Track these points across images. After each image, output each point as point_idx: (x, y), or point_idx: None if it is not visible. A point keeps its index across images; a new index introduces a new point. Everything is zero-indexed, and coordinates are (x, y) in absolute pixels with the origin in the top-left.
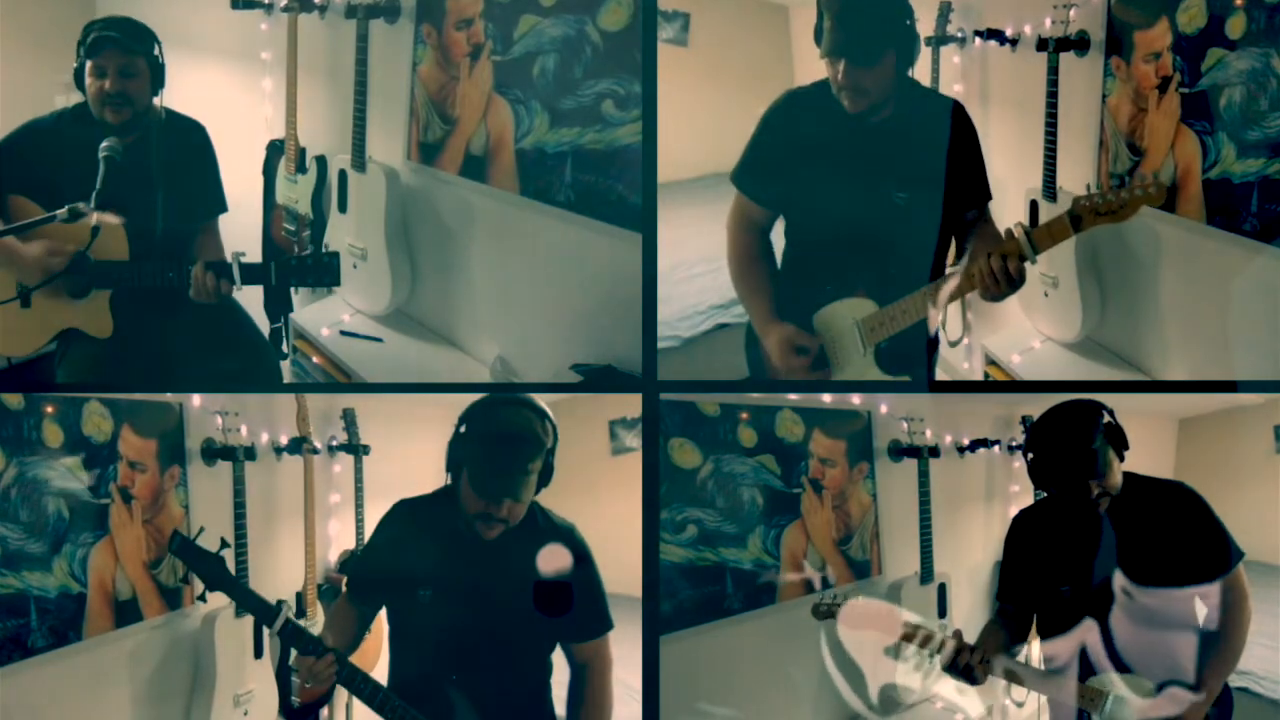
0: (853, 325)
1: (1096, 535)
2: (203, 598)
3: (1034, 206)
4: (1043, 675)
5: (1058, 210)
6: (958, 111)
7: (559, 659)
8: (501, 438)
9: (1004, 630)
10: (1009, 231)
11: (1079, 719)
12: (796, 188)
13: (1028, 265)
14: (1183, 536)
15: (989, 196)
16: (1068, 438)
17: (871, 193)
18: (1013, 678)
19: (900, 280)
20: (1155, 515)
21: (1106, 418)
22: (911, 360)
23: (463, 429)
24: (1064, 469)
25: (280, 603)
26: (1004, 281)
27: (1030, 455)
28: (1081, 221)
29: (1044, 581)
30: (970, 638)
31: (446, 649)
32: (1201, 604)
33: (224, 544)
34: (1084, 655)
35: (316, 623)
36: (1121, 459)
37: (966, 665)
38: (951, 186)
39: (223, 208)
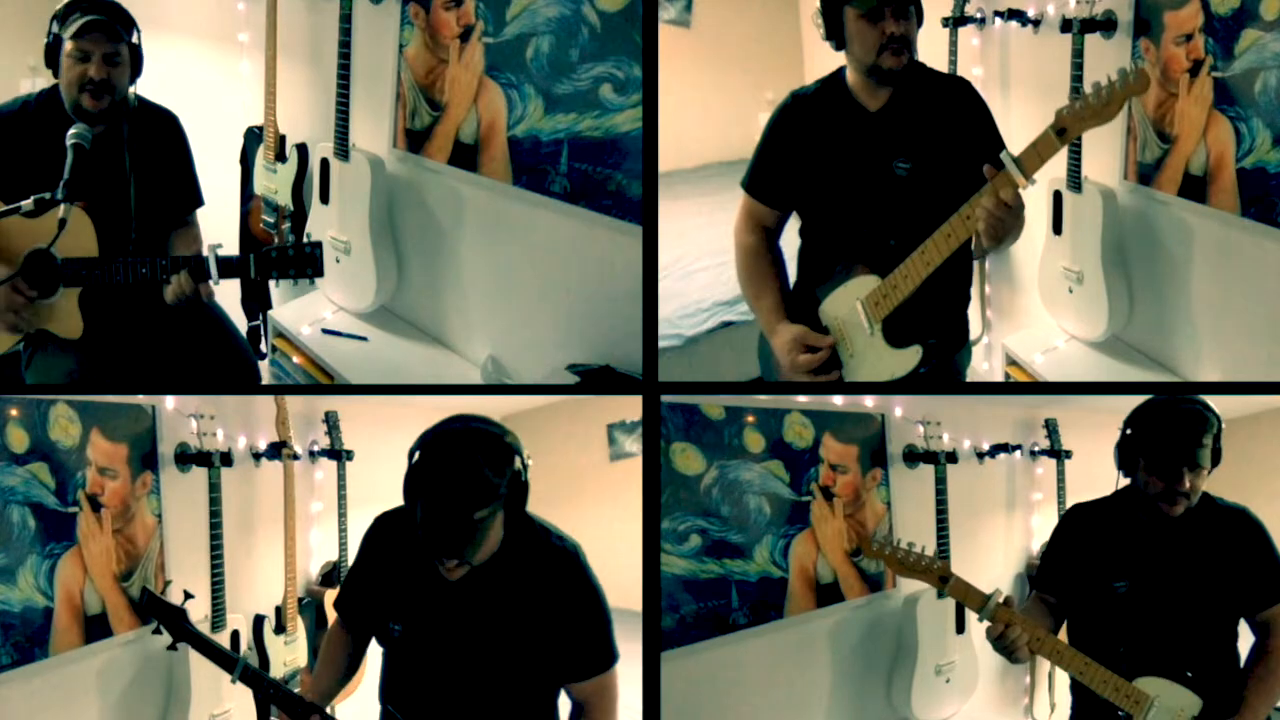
0: (856, 304)
1: (1165, 534)
2: (174, 648)
3: (1058, 198)
4: (1087, 661)
5: (1084, 203)
6: (966, 87)
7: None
8: (443, 489)
9: (1049, 615)
10: (996, 161)
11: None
12: (807, 185)
13: (1025, 193)
14: (1240, 562)
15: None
16: (1181, 421)
17: (874, 168)
18: (1057, 659)
19: (902, 251)
20: (1217, 537)
21: (1217, 428)
22: (920, 328)
23: (413, 459)
24: (1166, 450)
25: (243, 656)
26: (1002, 215)
27: (1129, 430)
28: (1067, 132)
29: (1097, 576)
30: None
31: (438, 680)
32: (1251, 632)
33: (187, 595)
34: (1132, 653)
35: (298, 638)
36: (1209, 472)
37: (1013, 641)
38: (964, 161)
39: (198, 202)
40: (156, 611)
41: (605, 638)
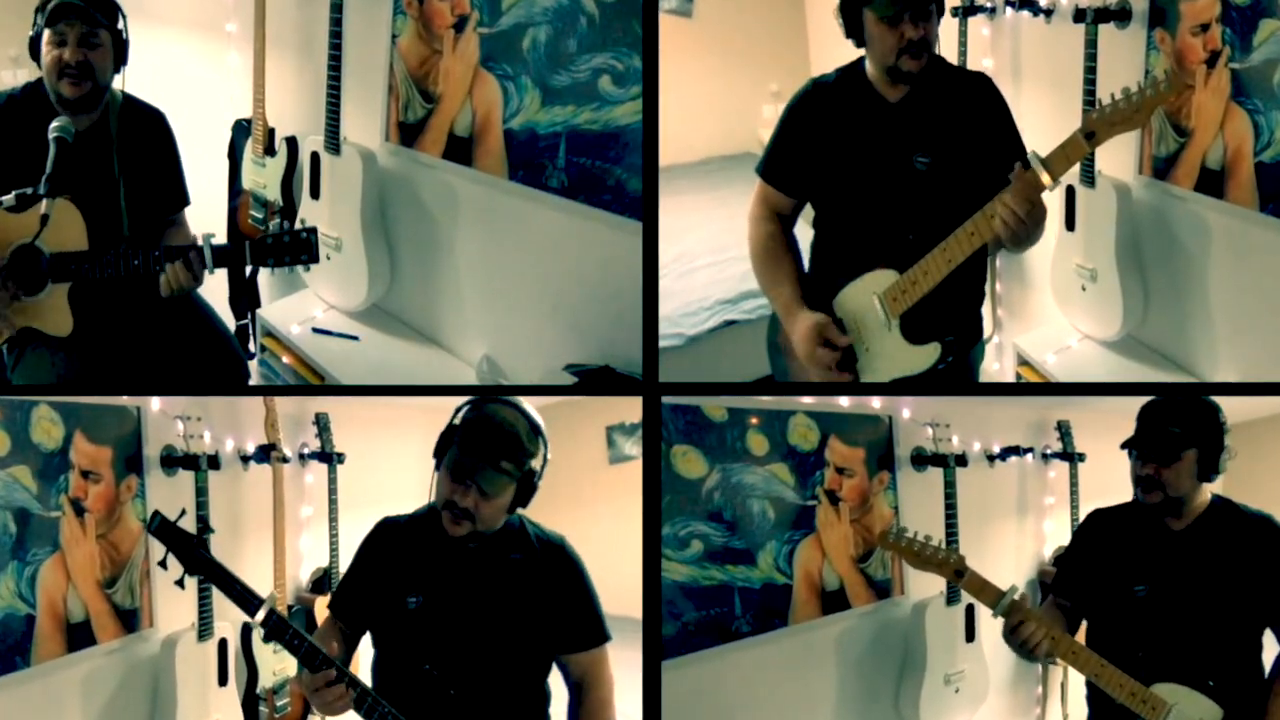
0: (873, 299)
1: (1185, 540)
2: (180, 583)
3: (1071, 194)
4: (1103, 662)
5: (1098, 198)
6: (986, 83)
7: (556, 686)
8: (483, 426)
9: (1065, 621)
10: (1018, 159)
11: None
12: (824, 174)
13: (1046, 195)
14: (1264, 571)
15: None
16: (1151, 408)
17: (893, 162)
18: (1073, 659)
19: (921, 246)
20: (1240, 544)
21: (1212, 432)
22: (938, 325)
23: (455, 419)
24: (1135, 435)
25: (272, 595)
26: (1024, 216)
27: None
28: (1095, 136)
29: (1117, 579)
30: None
31: (435, 672)
32: (1277, 642)
33: (206, 528)
34: (1151, 658)
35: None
36: (1205, 477)
37: (1027, 639)
38: (983, 156)
39: (185, 202)
40: (167, 538)
41: (596, 613)
